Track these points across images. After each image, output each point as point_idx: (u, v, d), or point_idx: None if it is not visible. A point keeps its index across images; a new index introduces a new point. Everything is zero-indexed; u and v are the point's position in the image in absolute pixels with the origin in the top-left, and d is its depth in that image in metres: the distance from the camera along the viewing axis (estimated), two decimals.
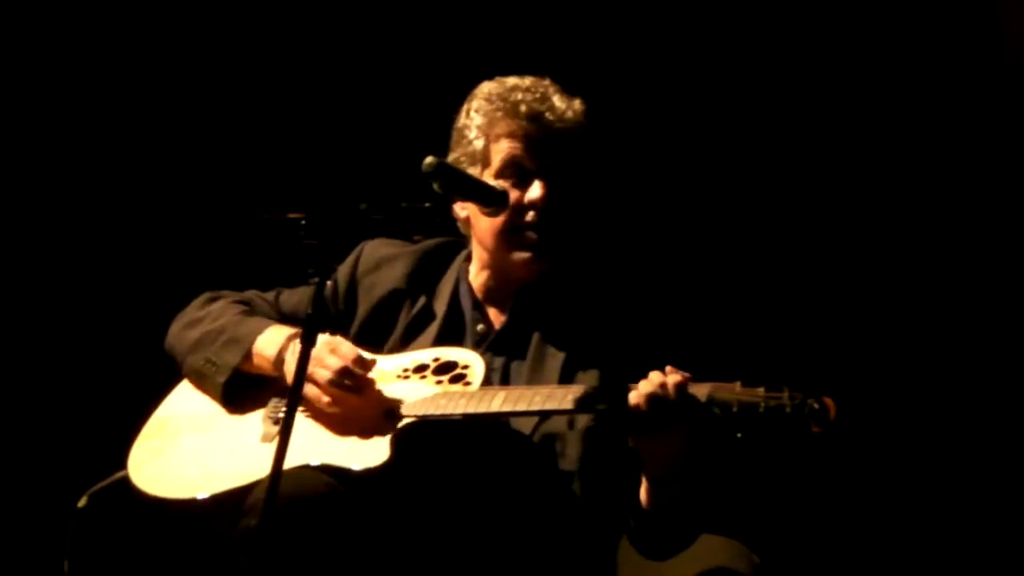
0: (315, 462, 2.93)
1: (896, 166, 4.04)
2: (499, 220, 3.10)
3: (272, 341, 3.15)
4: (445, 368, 3.08)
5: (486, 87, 3.21)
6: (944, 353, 3.99)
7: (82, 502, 3.20)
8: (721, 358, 2.98)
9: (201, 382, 3.23)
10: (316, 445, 3.00)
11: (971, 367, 3.98)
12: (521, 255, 3.14)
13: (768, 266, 4.07)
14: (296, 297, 3.34)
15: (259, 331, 3.18)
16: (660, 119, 4.12)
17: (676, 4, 4.12)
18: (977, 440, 3.96)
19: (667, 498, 2.91)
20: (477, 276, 3.25)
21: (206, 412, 3.19)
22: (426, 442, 2.99)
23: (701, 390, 2.83)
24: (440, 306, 3.23)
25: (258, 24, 4.33)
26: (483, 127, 3.16)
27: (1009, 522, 3.94)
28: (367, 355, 3.09)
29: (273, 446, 2.62)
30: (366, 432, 2.99)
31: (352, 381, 3.03)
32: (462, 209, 3.21)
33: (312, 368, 3.00)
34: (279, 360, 3.12)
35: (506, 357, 3.15)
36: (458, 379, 3.05)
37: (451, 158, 3.19)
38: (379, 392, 3.05)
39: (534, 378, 3.09)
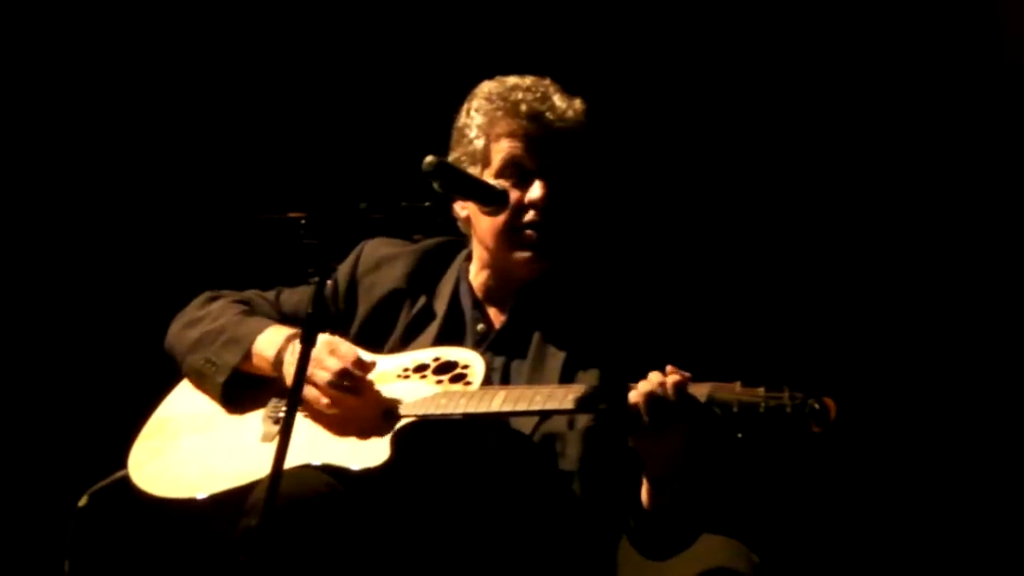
0: (315, 462, 2.92)
1: (896, 166, 4.04)
2: (499, 219, 3.10)
3: (271, 341, 3.15)
4: (445, 368, 3.08)
5: (486, 86, 3.20)
6: (944, 353, 3.99)
7: (82, 501, 3.20)
8: (721, 358, 2.98)
9: (201, 382, 3.22)
10: (316, 445, 3.00)
11: (971, 367, 3.98)
12: (521, 255, 3.14)
13: (768, 266, 4.07)
14: (296, 296, 3.33)
15: (259, 331, 3.18)
16: (660, 119, 4.11)
17: (676, 4, 4.12)
18: (977, 440, 3.96)
19: (667, 498, 2.90)
20: (477, 276, 3.24)
21: (206, 412, 3.19)
22: (426, 442, 2.98)
23: (701, 390, 2.82)
24: (440, 306, 3.23)
25: (258, 24, 4.33)
26: (483, 126, 3.15)
27: (1009, 522, 3.94)
28: (367, 356, 3.09)
29: (273, 446, 2.62)
30: (366, 432, 2.99)
31: (351, 383, 3.03)
32: (462, 208, 3.21)
33: (311, 369, 3.00)
34: (278, 361, 3.12)
35: (506, 357, 3.14)
36: (458, 379, 3.04)
37: (451, 157, 3.19)
38: (378, 392, 3.05)
39: (534, 378, 3.08)
